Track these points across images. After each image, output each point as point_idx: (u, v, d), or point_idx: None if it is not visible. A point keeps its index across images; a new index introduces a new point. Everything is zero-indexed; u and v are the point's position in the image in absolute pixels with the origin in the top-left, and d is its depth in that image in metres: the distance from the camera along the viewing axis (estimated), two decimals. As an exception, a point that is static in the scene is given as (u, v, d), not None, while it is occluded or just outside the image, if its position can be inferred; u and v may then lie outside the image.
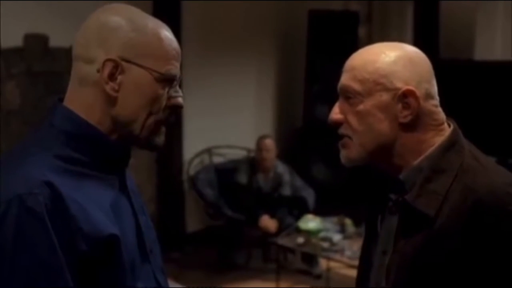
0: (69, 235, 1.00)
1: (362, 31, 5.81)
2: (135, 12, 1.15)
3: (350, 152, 1.23)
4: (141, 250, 1.18)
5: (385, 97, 1.18)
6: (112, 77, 1.10)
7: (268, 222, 4.65)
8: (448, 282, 1.13)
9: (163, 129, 1.18)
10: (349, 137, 1.23)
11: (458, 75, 5.04)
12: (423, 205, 1.16)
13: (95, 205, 1.07)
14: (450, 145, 1.20)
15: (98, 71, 1.10)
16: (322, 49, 5.56)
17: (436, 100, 1.22)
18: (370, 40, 5.84)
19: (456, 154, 1.19)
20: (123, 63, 1.10)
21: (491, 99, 5.11)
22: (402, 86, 1.17)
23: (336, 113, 1.24)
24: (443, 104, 1.25)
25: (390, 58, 1.19)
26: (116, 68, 1.10)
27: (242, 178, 4.87)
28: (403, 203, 1.21)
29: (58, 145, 1.09)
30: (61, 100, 1.16)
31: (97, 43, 1.10)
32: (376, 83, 1.18)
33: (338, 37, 5.47)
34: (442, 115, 1.23)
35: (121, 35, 1.10)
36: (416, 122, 1.19)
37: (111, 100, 1.11)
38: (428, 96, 1.20)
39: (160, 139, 1.19)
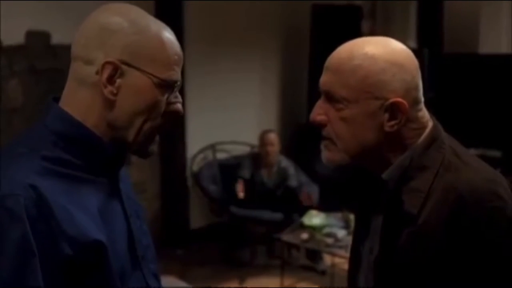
0: (52, 238, 0.98)
1: (365, 26, 5.79)
2: (137, 13, 1.11)
3: (332, 155, 1.21)
4: (132, 256, 1.15)
5: (372, 105, 1.14)
6: (111, 80, 1.07)
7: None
8: (432, 279, 1.13)
9: (157, 137, 1.15)
10: (332, 141, 1.20)
11: (462, 69, 5.02)
12: (405, 203, 1.15)
13: (82, 209, 1.04)
14: (430, 142, 1.18)
15: (97, 73, 1.06)
16: (325, 44, 5.51)
17: (421, 103, 1.19)
18: (373, 35, 5.80)
19: (436, 151, 1.17)
20: (123, 66, 1.07)
21: (495, 93, 5.08)
22: (390, 96, 1.13)
23: (318, 114, 1.20)
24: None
25: (379, 65, 1.13)
26: (115, 71, 1.06)
27: (246, 174, 4.86)
28: (386, 202, 1.20)
29: (48, 146, 1.06)
30: (57, 99, 1.13)
31: (97, 44, 1.07)
32: (364, 91, 1.14)
33: (341, 32, 5.44)
34: (426, 116, 1.21)
35: (122, 37, 1.07)
36: (401, 129, 1.16)
37: (108, 104, 1.08)
38: (415, 102, 1.17)
39: (153, 148, 1.16)
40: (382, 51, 1.16)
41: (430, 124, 1.21)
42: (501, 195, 1.11)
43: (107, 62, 1.06)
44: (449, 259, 1.11)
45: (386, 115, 1.14)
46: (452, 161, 1.16)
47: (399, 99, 1.13)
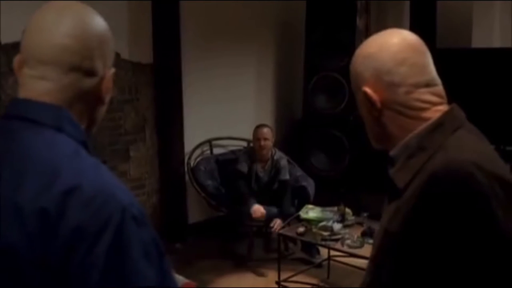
0: None
1: (360, 22, 5.84)
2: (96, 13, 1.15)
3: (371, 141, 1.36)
4: None
5: (360, 96, 1.29)
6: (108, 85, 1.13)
7: (260, 210, 4.67)
8: (407, 251, 1.16)
9: None
10: None
11: (456, 64, 5.07)
12: (398, 178, 1.22)
13: None
14: (436, 126, 1.22)
15: (98, 83, 1.11)
16: (320, 40, 5.57)
17: (409, 86, 1.22)
18: (368, 31, 5.85)
19: (440, 134, 1.20)
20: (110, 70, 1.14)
21: (489, 86, 5.13)
22: (363, 86, 1.27)
23: None
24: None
25: (356, 58, 1.30)
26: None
27: (243, 167, 4.88)
28: (389, 179, 1.27)
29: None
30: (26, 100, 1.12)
31: (98, 56, 1.10)
32: (353, 83, 1.31)
33: (336, 27, 5.49)
34: (429, 99, 1.24)
35: (110, 47, 1.14)
36: (388, 113, 1.25)
37: (102, 103, 1.14)
38: (393, 85, 1.23)
39: None
40: (361, 47, 1.31)
41: (444, 109, 1.24)
42: (478, 180, 1.09)
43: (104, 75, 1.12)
44: (418, 230, 1.12)
45: (369, 103, 1.26)
46: (451, 144, 1.18)
47: (364, 88, 1.26)
